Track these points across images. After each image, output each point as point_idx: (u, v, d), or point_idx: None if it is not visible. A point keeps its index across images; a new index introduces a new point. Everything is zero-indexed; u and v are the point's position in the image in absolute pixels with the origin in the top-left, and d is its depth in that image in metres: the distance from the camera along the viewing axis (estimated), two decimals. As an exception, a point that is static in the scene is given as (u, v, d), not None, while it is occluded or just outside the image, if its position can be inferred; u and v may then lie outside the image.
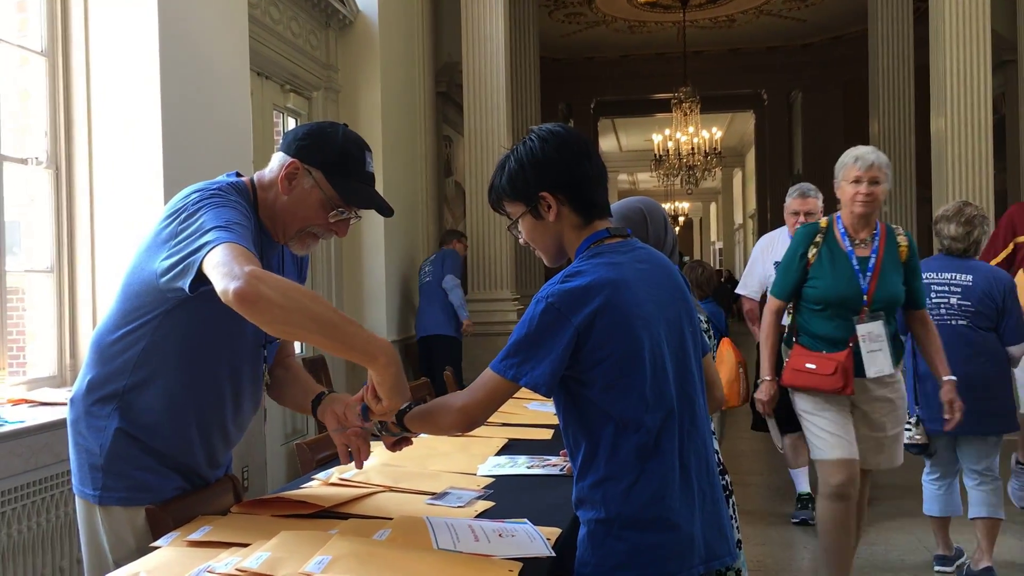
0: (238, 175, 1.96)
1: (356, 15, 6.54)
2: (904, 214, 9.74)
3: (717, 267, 24.98)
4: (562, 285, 1.71)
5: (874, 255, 3.35)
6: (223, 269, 1.62)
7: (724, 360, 3.92)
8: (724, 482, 2.53)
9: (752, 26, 13.88)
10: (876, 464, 3.49)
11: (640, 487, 1.69)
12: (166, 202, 1.91)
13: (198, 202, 1.78)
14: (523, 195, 1.82)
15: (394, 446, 1.98)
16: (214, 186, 1.85)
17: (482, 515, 2.00)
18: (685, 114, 13.97)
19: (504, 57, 7.37)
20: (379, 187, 2.03)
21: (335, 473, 2.29)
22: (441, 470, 2.44)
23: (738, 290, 5.15)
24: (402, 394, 1.76)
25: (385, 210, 1.96)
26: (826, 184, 4.72)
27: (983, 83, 6.92)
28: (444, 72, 8.59)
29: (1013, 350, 3.85)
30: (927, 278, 3.74)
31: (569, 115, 16.16)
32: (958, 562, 3.98)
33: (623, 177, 28.02)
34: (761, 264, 4.89)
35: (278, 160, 1.93)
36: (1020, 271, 4.54)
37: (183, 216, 1.77)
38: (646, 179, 25.69)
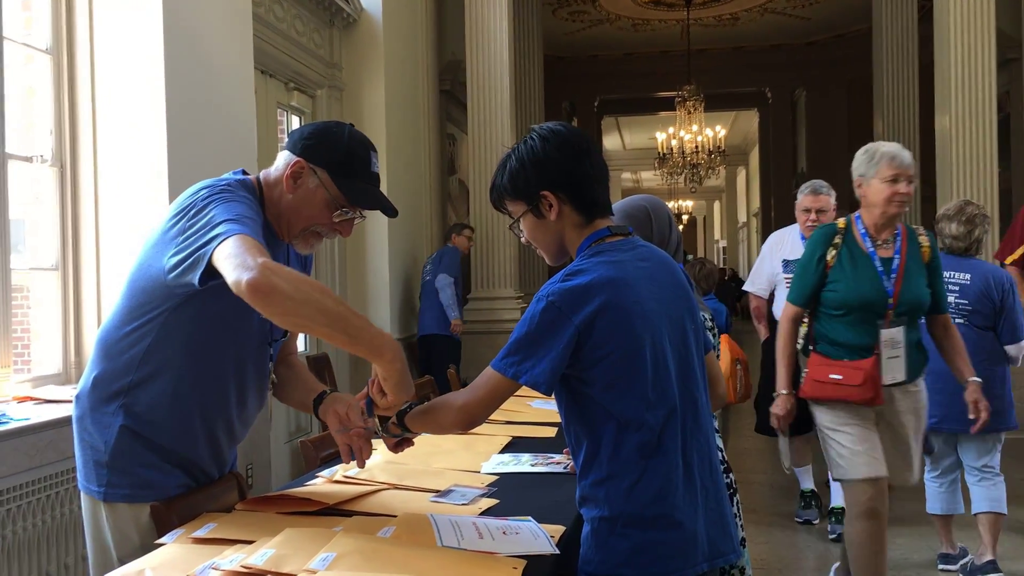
0: (244, 173, 1.96)
1: (360, 13, 6.55)
2: (907, 213, 9.71)
3: (721, 265, 24.95)
4: (563, 284, 1.71)
5: (897, 256, 3.19)
6: (235, 260, 1.62)
7: (720, 357, 3.92)
8: (728, 480, 2.53)
9: (756, 24, 13.85)
10: (904, 480, 3.31)
11: (643, 485, 1.69)
12: (170, 200, 1.92)
13: (207, 197, 1.78)
14: (524, 194, 1.82)
15: (396, 447, 1.99)
16: (222, 182, 1.86)
17: (486, 513, 2.01)
18: (689, 112, 13.95)
19: (508, 55, 7.37)
20: (383, 185, 2.03)
21: (339, 471, 2.30)
22: (445, 468, 2.45)
23: (746, 287, 5.14)
24: (407, 390, 1.76)
25: (389, 211, 1.96)
26: (830, 182, 4.73)
27: (987, 81, 6.91)
28: (448, 70, 8.59)
29: (1010, 349, 3.86)
30: None
31: (573, 113, 16.14)
32: (962, 561, 3.98)
33: (627, 176, 28.00)
34: (770, 261, 4.84)
35: (284, 159, 1.93)
36: None
37: (192, 212, 1.77)
38: (650, 177, 25.66)
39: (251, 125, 4.41)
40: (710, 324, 2.54)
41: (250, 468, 4.46)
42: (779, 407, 3.33)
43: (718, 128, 15.55)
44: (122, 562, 1.76)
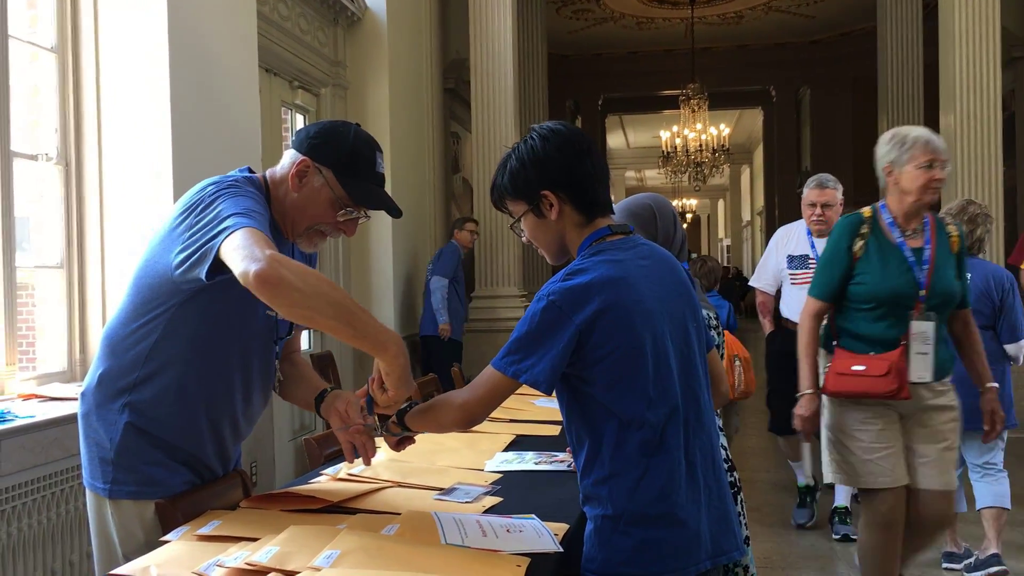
0: (250, 171, 1.97)
1: (364, 12, 6.55)
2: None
3: (725, 264, 24.93)
4: (564, 283, 1.71)
5: (927, 246, 3.02)
6: (243, 252, 1.62)
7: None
8: (732, 479, 2.53)
9: (760, 22, 13.84)
10: (945, 484, 3.05)
11: (646, 483, 1.69)
12: (175, 198, 1.93)
13: (215, 193, 1.79)
14: (525, 194, 1.83)
15: (397, 445, 1.99)
16: (230, 178, 1.87)
17: (490, 511, 2.01)
18: (693, 111, 13.94)
19: (512, 54, 7.37)
20: (387, 184, 2.04)
21: (343, 469, 2.30)
22: (449, 466, 2.45)
23: (752, 282, 5.10)
24: (408, 386, 1.77)
25: (394, 211, 1.97)
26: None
27: (992, 80, 6.89)
28: (452, 69, 8.59)
29: (1010, 348, 3.86)
30: None
31: (577, 112, 16.13)
32: (966, 561, 3.98)
33: (631, 174, 27.98)
34: (775, 256, 4.77)
35: (290, 157, 1.94)
36: None
37: (200, 207, 1.77)
38: (654, 176, 25.66)
39: (255, 123, 4.41)
40: (715, 322, 2.54)
41: (254, 466, 4.47)
42: (804, 408, 3.13)
43: (722, 126, 15.55)
44: (127, 559, 1.77)
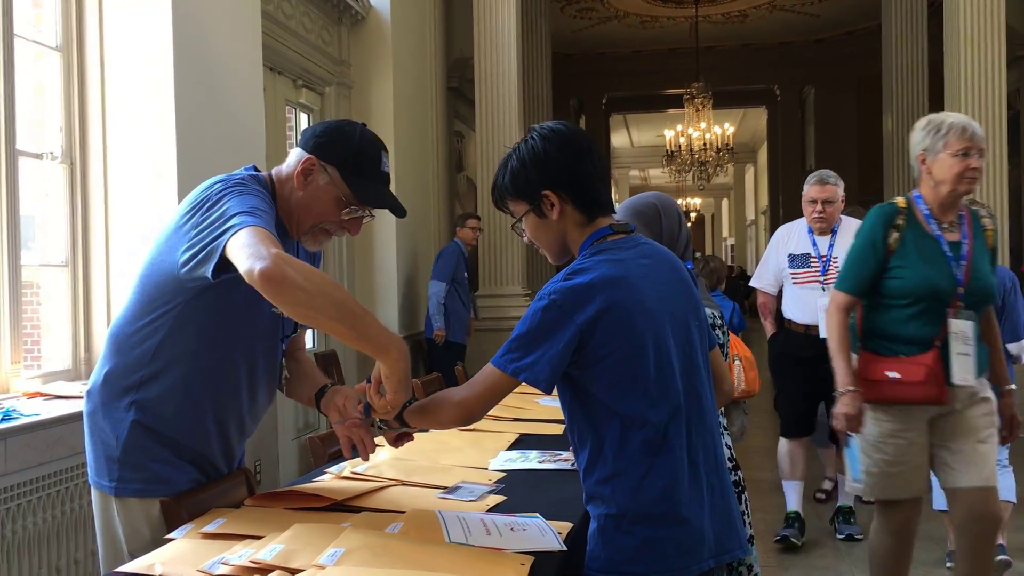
0: (256, 169, 1.97)
1: (368, 11, 6.56)
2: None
3: (729, 263, 24.91)
4: (565, 282, 1.71)
5: (965, 240, 2.87)
6: (249, 250, 1.63)
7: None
8: (736, 478, 2.54)
9: (765, 21, 13.83)
10: (984, 479, 2.87)
11: (649, 482, 1.69)
12: (179, 196, 1.93)
13: (221, 191, 1.79)
14: (526, 194, 1.83)
15: (396, 441, 2.00)
16: (236, 177, 1.87)
17: (494, 509, 2.01)
18: (697, 110, 13.93)
19: (516, 53, 7.37)
20: (391, 183, 2.04)
21: (347, 467, 2.30)
22: (453, 464, 2.45)
23: (752, 283, 5.02)
24: (406, 390, 1.77)
25: (398, 210, 1.97)
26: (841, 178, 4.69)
27: (997, 79, 6.88)
28: (456, 68, 8.59)
29: (1011, 347, 3.85)
30: None
31: (581, 111, 16.12)
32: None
33: (635, 173, 27.97)
34: (775, 256, 4.67)
35: (295, 155, 1.94)
36: None
37: (207, 205, 1.78)
38: (658, 175, 25.62)
39: (259, 122, 4.42)
40: (719, 321, 2.54)
41: (258, 464, 4.48)
42: (848, 405, 2.89)
43: (726, 125, 15.53)
44: (133, 556, 1.77)
